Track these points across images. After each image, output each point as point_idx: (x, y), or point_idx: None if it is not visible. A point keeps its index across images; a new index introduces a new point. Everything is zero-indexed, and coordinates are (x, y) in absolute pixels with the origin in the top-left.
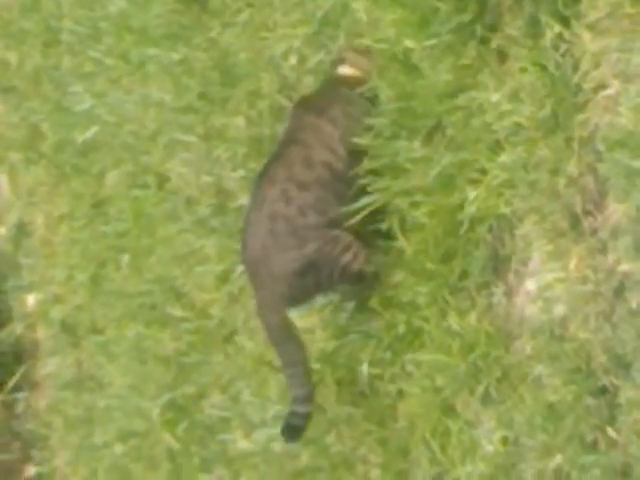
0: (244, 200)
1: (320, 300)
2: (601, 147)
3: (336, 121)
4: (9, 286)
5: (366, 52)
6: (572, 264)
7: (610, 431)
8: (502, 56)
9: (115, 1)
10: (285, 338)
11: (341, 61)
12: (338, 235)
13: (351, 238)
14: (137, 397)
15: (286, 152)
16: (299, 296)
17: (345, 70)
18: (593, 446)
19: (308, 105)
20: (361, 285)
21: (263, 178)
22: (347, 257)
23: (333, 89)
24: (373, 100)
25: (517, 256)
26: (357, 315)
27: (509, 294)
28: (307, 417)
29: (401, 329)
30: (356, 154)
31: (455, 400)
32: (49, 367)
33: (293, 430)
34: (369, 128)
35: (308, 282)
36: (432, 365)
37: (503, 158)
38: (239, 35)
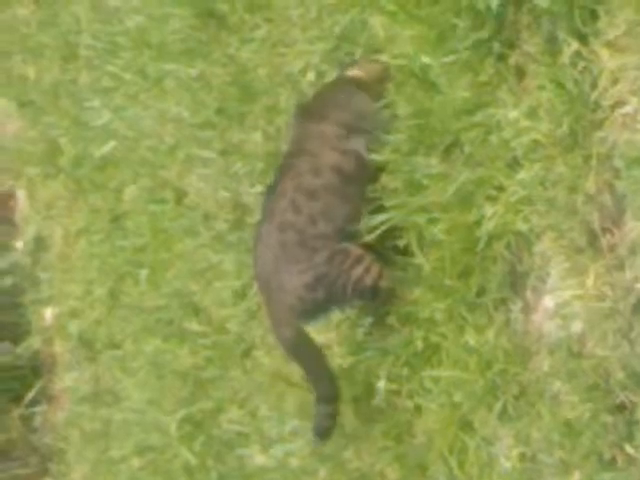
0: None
1: (336, 315)
2: (619, 164)
3: (338, 122)
4: (27, 300)
5: (380, 64)
6: (590, 281)
7: (628, 448)
8: (520, 73)
9: (133, 16)
10: (302, 349)
11: (352, 65)
12: (347, 247)
13: (361, 252)
14: (154, 412)
15: (294, 163)
16: (311, 310)
17: (353, 72)
18: (611, 463)
19: (308, 112)
20: (376, 301)
21: (273, 191)
22: (358, 271)
23: (330, 92)
24: (370, 103)
25: (535, 273)
26: (374, 331)
27: (527, 311)
28: (334, 415)
29: (419, 345)
30: (367, 161)
31: (473, 416)
32: (67, 381)
33: (323, 430)
34: (384, 143)
35: (319, 296)
36: (450, 381)
37: (521, 175)
38: (257, 51)
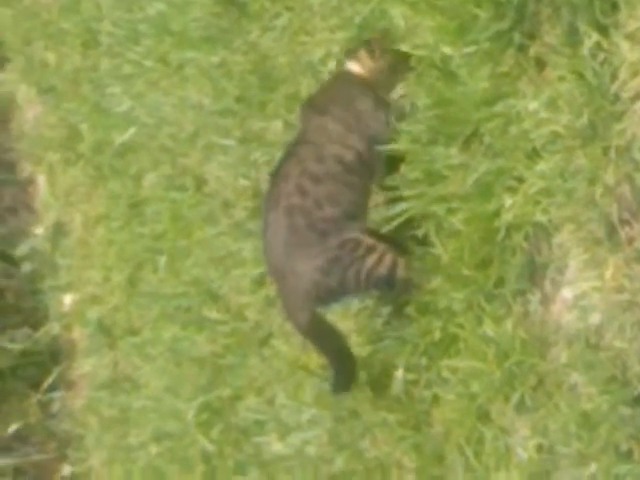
0: None
1: (355, 304)
2: (638, 157)
3: (339, 119)
4: (46, 286)
5: (379, 55)
6: (608, 273)
7: None
8: (540, 64)
9: (154, 4)
10: (319, 335)
11: (353, 55)
12: (358, 236)
13: (373, 241)
14: (172, 399)
15: (297, 150)
16: (324, 296)
17: (353, 67)
18: (628, 455)
19: (313, 105)
20: (393, 291)
21: (276, 176)
22: (372, 259)
23: (336, 86)
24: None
25: (553, 264)
26: (393, 320)
27: (545, 302)
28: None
29: (437, 335)
30: (368, 157)
31: (490, 407)
32: (85, 367)
33: (342, 382)
34: (405, 133)
35: (332, 281)
36: (467, 372)
37: (540, 166)
38: (278, 39)
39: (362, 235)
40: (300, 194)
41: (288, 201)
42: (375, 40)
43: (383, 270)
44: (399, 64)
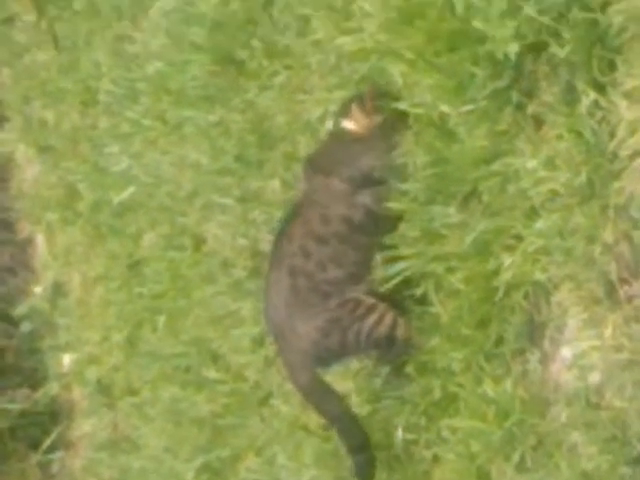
0: None
1: (353, 364)
2: (637, 215)
3: (344, 178)
4: (45, 346)
5: (372, 110)
6: (608, 332)
7: None
8: (538, 122)
9: (153, 62)
10: (320, 396)
11: (346, 113)
12: (359, 296)
13: (374, 301)
14: (172, 459)
15: (303, 212)
16: (324, 356)
17: (348, 125)
18: None
19: (317, 166)
20: (393, 351)
21: (281, 236)
22: (372, 319)
23: (337, 145)
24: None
25: (553, 323)
26: (392, 380)
27: (544, 361)
28: (371, 461)
29: (436, 395)
30: (378, 213)
31: (490, 467)
32: (84, 428)
33: (365, 476)
34: (404, 193)
35: (333, 342)
36: (467, 431)
37: (539, 225)
38: (276, 98)
39: (362, 295)
40: (303, 255)
41: (291, 262)
42: (366, 95)
43: (383, 330)
44: (397, 122)
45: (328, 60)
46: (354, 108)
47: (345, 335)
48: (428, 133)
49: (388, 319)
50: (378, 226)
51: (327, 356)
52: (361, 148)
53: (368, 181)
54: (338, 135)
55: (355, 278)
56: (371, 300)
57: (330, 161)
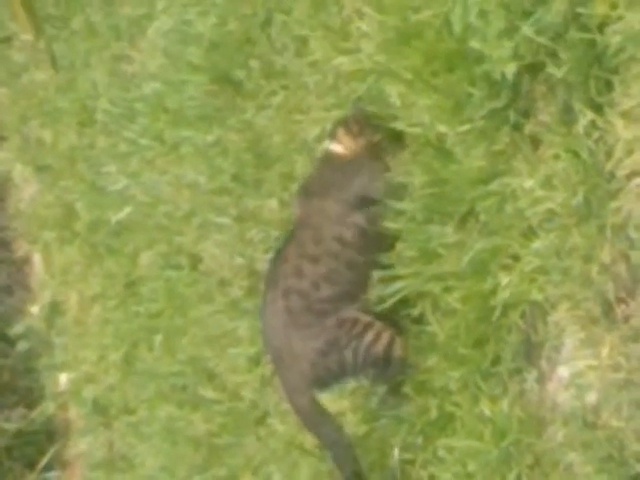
0: None
1: (350, 384)
2: (634, 235)
3: (339, 201)
4: (42, 365)
5: (358, 132)
6: (605, 351)
7: None
8: (535, 142)
9: (150, 82)
10: (317, 419)
11: (333, 136)
12: (356, 315)
13: (370, 319)
14: (168, 478)
15: (297, 234)
16: (323, 377)
17: (335, 147)
18: None
19: (310, 190)
20: (390, 370)
21: (277, 258)
22: (369, 337)
23: (329, 168)
24: (369, 178)
25: (550, 342)
26: (388, 399)
27: (541, 380)
28: None
29: (433, 414)
30: (371, 232)
31: None
32: (81, 446)
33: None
34: (401, 212)
35: (331, 362)
36: (464, 451)
37: (536, 244)
38: (273, 117)
39: (359, 313)
40: (297, 276)
41: (285, 283)
42: (351, 118)
43: (381, 348)
44: (389, 142)
45: (325, 80)
46: (340, 131)
47: (343, 354)
48: (426, 153)
49: (385, 337)
50: (371, 245)
51: (326, 377)
52: (352, 170)
53: (362, 202)
54: (328, 159)
55: (350, 296)
56: (367, 318)
57: (323, 185)
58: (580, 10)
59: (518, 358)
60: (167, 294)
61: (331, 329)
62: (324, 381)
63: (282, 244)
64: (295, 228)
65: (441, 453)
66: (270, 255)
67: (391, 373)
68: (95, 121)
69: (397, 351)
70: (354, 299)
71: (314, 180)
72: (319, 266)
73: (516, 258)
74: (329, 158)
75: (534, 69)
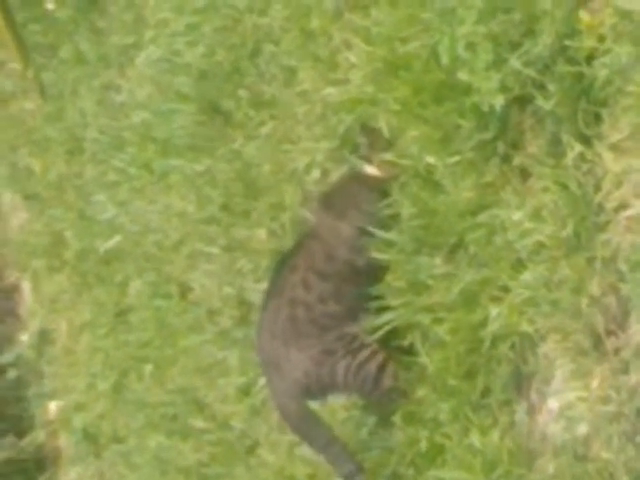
0: None
1: (340, 399)
2: (623, 267)
3: (355, 224)
4: (31, 393)
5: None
6: (594, 383)
7: None
8: (524, 174)
9: (139, 112)
10: (308, 423)
11: (368, 160)
12: (358, 333)
13: (370, 340)
14: None
15: (307, 244)
16: (314, 387)
17: (371, 170)
18: None
19: (329, 204)
20: (375, 396)
21: (284, 266)
22: (364, 354)
23: (354, 189)
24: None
25: (539, 374)
26: (379, 430)
27: (531, 412)
28: None
29: (423, 445)
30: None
31: None
32: (71, 475)
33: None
34: (390, 244)
35: (324, 372)
36: None
37: (525, 276)
38: (262, 147)
39: (361, 332)
40: (304, 288)
41: (293, 292)
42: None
43: (373, 366)
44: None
45: (314, 110)
46: (375, 155)
47: (336, 365)
48: (414, 184)
49: (379, 358)
50: (379, 269)
51: (316, 386)
52: (373, 194)
53: (370, 227)
54: (357, 178)
55: (354, 314)
56: (367, 338)
57: (343, 203)
58: (568, 43)
59: (508, 390)
60: (156, 323)
61: (330, 341)
62: (314, 392)
63: (291, 251)
64: (306, 236)
65: None
66: (276, 260)
67: (378, 399)
68: (84, 150)
69: (387, 376)
70: (357, 317)
71: (335, 195)
72: (327, 283)
73: (506, 290)
74: (359, 177)
75: (522, 101)
